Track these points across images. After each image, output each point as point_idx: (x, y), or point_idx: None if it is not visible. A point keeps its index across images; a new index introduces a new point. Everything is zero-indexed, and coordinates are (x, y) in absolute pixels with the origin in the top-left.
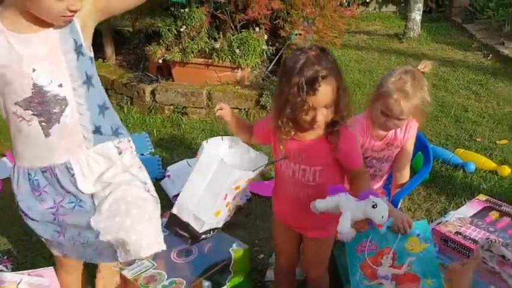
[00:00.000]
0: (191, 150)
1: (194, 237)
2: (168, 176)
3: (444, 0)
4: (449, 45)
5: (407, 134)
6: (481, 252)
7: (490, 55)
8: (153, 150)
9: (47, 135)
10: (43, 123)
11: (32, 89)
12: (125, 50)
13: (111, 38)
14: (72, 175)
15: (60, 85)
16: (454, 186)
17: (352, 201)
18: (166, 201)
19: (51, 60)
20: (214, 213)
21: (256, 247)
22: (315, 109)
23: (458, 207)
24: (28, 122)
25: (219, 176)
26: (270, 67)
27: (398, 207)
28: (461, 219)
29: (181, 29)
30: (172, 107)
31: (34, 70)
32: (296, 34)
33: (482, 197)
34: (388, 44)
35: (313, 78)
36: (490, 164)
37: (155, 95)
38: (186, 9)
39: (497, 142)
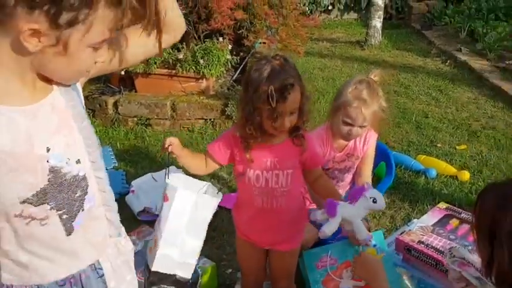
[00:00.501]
0: (156, 164)
1: (183, 285)
2: (133, 191)
3: (404, 7)
4: (409, 51)
5: (366, 144)
6: (447, 260)
7: (448, 61)
8: (116, 164)
9: (69, 231)
10: (64, 216)
11: (49, 175)
12: None
13: None
14: (101, 276)
15: (78, 161)
16: (417, 192)
17: (351, 207)
18: (131, 218)
19: (64, 132)
20: (199, 250)
21: (224, 261)
22: (283, 115)
23: (422, 213)
24: (42, 222)
25: (199, 211)
26: (235, 76)
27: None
28: (424, 228)
29: None
30: (135, 118)
31: (48, 150)
32: (260, 42)
33: (442, 205)
34: (350, 51)
35: (282, 86)
36: (451, 170)
37: (118, 107)
38: None
39: (457, 147)
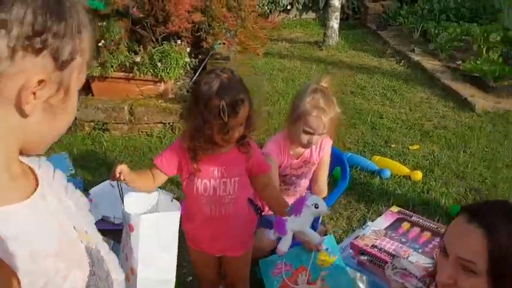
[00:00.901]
0: None
1: None
2: (91, 200)
3: (360, 7)
4: (365, 52)
5: (322, 151)
6: (389, 272)
7: (402, 61)
8: (73, 171)
9: None
10: None
11: (88, 258)
12: None
13: None
14: None
15: (86, 232)
16: (372, 193)
17: (297, 220)
18: None
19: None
20: (175, 263)
21: (185, 269)
22: (234, 129)
23: (377, 214)
24: None
25: (166, 228)
26: (194, 78)
27: (320, 220)
28: (377, 231)
29: (100, 43)
30: (92, 123)
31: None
32: (220, 43)
33: (394, 208)
34: (309, 51)
35: (233, 101)
36: (404, 170)
37: None
38: (104, 23)
39: (410, 147)
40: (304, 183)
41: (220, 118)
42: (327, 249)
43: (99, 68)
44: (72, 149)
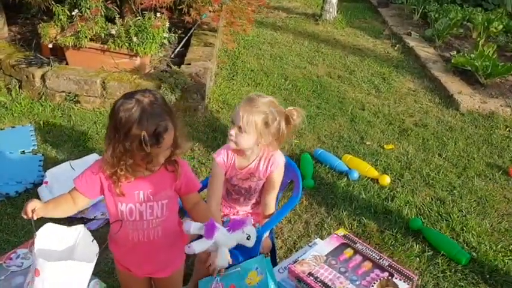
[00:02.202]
0: (78, 148)
1: None
2: (46, 182)
3: None
4: (362, 30)
5: (269, 167)
6: None
7: (397, 45)
8: (36, 147)
9: None
10: None
11: None
12: (21, 20)
13: (3, 5)
14: None
15: None
16: (336, 195)
17: (227, 235)
18: None
19: None
20: None
21: (117, 282)
22: (158, 156)
23: (336, 220)
24: None
25: (75, 275)
26: (176, 51)
27: (263, 237)
28: (317, 257)
29: (73, 12)
30: (64, 94)
31: None
32: (207, 15)
33: (341, 231)
34: (304, 25)
35: (156, 132)
36: (373, 173)
37: (45, 81)
38: None
39: (385, 147)
40: (254, 197)
41: (142, 149)
42: (256, 268)
43: (73, 37)
44: (39, 121)
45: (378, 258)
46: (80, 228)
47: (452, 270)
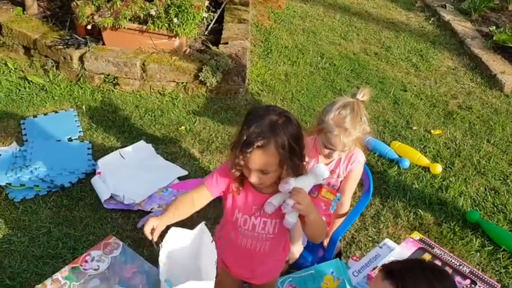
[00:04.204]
0: (123, 135)
1: None
2: (99, 173)
3: None
4: (393, 1)
5: (350, 165)
6: None
7: (432, 19)
8: (82, 133)
9: None
10: None
11: None
12: None
13: None
14: None
15: None
16: (388, 185)
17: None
18: (97, 206)
19: None
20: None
21: None
22: (249, 169)
23: (391, 212)
24: None
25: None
26: (210, 27)
27: (337, 242)
28: None
29: None
30: (102, 76)
31: None
32: None
33: (416, 235)
34: None
35: (249, 142)
36: (424, 161)
37: (84, 62)
38: None
39: (432, 132)
40: None
41: (235, 150)
42: (332, 272)
43: (111, 19)
44: (81, 104)
45: (458, 264)
46: (200, 228)
47: None
